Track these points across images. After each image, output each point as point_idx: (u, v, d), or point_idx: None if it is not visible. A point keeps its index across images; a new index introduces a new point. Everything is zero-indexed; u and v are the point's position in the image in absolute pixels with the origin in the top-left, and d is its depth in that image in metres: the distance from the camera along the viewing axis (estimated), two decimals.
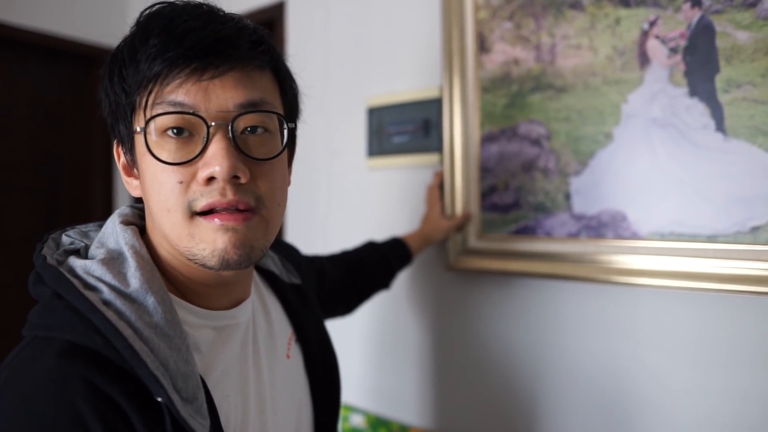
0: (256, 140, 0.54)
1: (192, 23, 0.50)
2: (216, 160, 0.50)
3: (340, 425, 1.40)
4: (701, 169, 0.86)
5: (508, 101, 1.08)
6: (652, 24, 0.91)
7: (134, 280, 0.51)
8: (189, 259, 0.54)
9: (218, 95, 0.51)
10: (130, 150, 0.55)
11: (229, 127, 0.51)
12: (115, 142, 0.58)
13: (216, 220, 0.51)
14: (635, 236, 0.93)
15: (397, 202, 1.32)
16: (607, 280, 0.95)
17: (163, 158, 0.51)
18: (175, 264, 0.57)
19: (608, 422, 0.99)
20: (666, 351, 0.93)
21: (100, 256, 0.53)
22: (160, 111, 0.50)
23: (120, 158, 0.59)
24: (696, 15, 0.86)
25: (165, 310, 0.51)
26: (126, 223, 0.58)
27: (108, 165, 2.18)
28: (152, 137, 0.51)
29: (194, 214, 0.51)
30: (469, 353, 1.18)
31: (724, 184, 0.84)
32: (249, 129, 0.53)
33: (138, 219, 0.61)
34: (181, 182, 0.51)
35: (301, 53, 1.54)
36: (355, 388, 1.39)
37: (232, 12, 0.56)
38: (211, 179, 0.51)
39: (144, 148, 0.52)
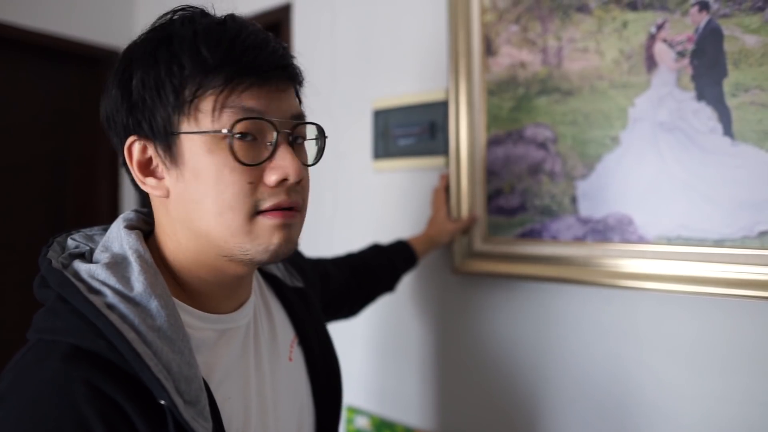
0: (301, 148, 0.60)
1: (254, 39, 0.55)
2: (291, 164, 0.54)
3: (345, 427, 1.40)
4: (708, 173, 0.86)
5: (515, 104, 1.08)
6: (660, 27, 0.90)
7: (138, 284, 0.51)
8: (228, 256, 0.55)
9: (280, 105, 0.56)
10: (167, 148, 0.54)
11: (290, 135, 0.56)
12: (131, 139, 0.55)
13: (277, 219, 0.55)
14: (642, 240, 0.92)
15: (403, 204, 1.32)
16: (613, 284, 0.94)
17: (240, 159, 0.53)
18: (188, 265, 0.57)
19: (612, 426, 0.98)
20: (672, 355, 0.92)
21: (105, 260, 0.53)
22: (241, 116, 0.53)
23: (133, 156, 0.56)
24: (704, 19, 0.86)
25: (168, 314, 0.51)
26: (130, 227, 0.58)
27: (114, 168, 2.19)
28: (222, 139, 0.53)
29: (257, 213, 0.54)
30: (474, 356, 1.18)
31: (732, 188, 0.84)
32: (299, 138, 0.59)
33: (143, 224, 0.62)
34: (250, 183, 0.53)
35: (307, 55, 1.55)
36: (360, 390, 1.39)
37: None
38: (282, 181, 0.55)
39: (206, 148, 0.53)
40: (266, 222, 0.55)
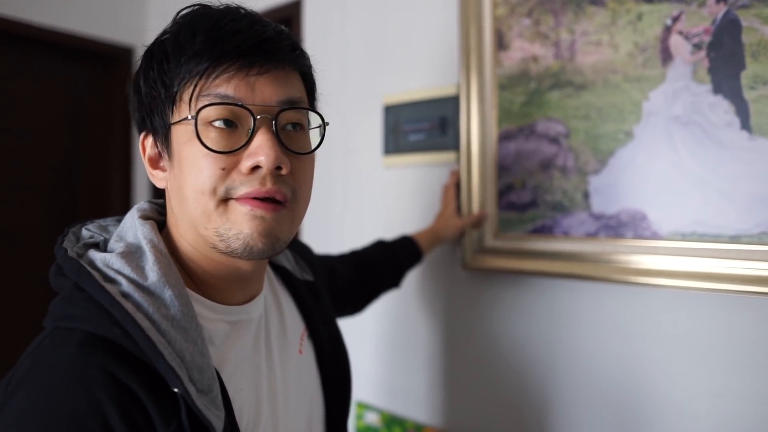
0: (294, 136, 0.57)
1: (238, 24, 0.53)
2: (263, 150, 0.52)
3: (355, 423, 1.40)
4: (725, 168, 0.84)
5: (526, 99, 1.07)
6: (676, 19, 0.89)
7: (152, 273, 0.52)
8: (213, 245, 0.55)
9: (263, 91, 0.54)
10: (164, 141, 0.56)
11: (273, 121, 0.54)
12: (143, 135, 0.59)
13: (248, 206, 0.53)
14: (655, 236, 0.91)
15: (413, 200, 1.31)
16: (626, 280, 0.93)
17: (209, 146, 0.52)
18: (195, 258, 0.58)
19: (623, 424, 0.97)
20: (687, 353, 0.91)
21: (119, 250, 0.54)
22: (210, 101, 0.52)
23: (146, 151, 0.59)
24: (721, 10, 0.84)
25: (182, 304, 0.51)
26: (144, 217, 0.59)
27: (126, 162, 2.21)
28: (199, 126, 0.53)
29: (229, 199, 0.53)
30: (484, 353, 1.17)
31: (749, 183, 0.82)
32: (288, 125, 0.56)
33: (156, 214, 0.63)
34: (223, 169, 0.52)
35: (317, 50, 1.54)
36: (370, 387, 1.39)
37: (254, 10, 0.58)
38: (255, 169, 0.53)
39: (187, 137, 0.53)
40: (238, 207, 0.53)
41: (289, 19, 1.64)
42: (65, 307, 0.51)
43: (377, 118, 1.38)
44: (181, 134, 0.54)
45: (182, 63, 0.53)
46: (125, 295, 0.50)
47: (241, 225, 0.53)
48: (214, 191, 0.52)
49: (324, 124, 0.60)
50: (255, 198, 0.52)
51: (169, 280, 0.52)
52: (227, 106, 0.52)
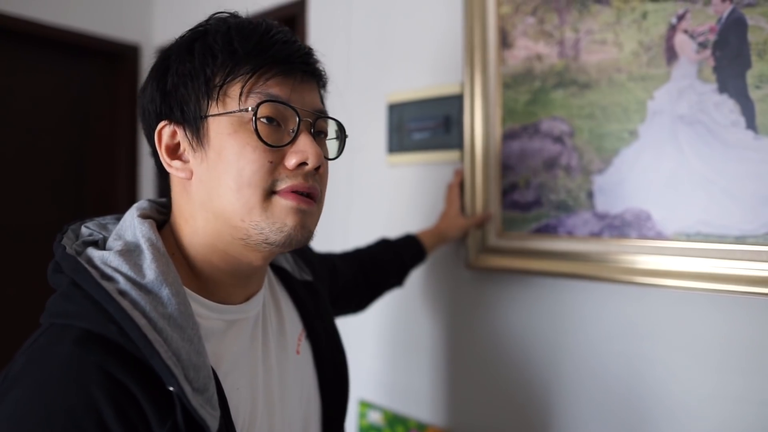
0: (321, 142, 0.62)
1: (284, 36, 0.59)
2: (311, 149, 0.57)
3: (358, 422, 1.40)
4: (730, 167, 0.83)
5: (531, 98, 1.07)
6: (681, 18, 0.88)
7: (150, 271, 0.52)
8: (243, 237, 0.56)
9: (303, 97, 0.59)
10: (196, 131, 0.57)
11: (312, 126, 0.59)
12: (162, 124, 0.58)
13: (293, 201, 0.56)
14: (660, 236, 0.90)
15: (417, 198, 1.31)
16: (630, 280, 0.93)
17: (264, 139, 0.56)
18: (205, 252, 0.59)
19: (627, 423, 0.97)
20: (690, 354, 0.90)
21: (118, 248, 0.54)
22: (264, 99, 0.56)
23: (163, 140, 0.59)
24: (727, 8, 0.83)
25: (179, 302, 0.52)
26: (144, 216, 0.59)
27: (132, 159, 2.22)
28: (247, 120, 0.56)
29: (272, 192, 0.56)
30: (487, 352, 1.17)
31: (754, 183, 0.81)
32: (320, 133, 0.62)
33: (156, 213, 0.63)
34: (271, 162, 0.56)
35: (322, 49, 1.54)
36: (372, 385, 1.39)
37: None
38: (300, 165, 0.57)
39: (231, 129, 0.56)
40: (282, 202, 0.56)
41: (294, 17, 1.64)
42: (62, 304, 0.51)
43: (381, 116, 1.38)
44: (224, 126, 0.56)
45: (232, 61, 0.56)
46: (122, 293, 0.50)
47: (285, 218, 0.56)
48: (260, 183, 0.55)
49: (345, 136, 0.65)
50: (297, 192, 0.57)
51: (166, 279, 0.52)
52: (276, 106, 0.56)
